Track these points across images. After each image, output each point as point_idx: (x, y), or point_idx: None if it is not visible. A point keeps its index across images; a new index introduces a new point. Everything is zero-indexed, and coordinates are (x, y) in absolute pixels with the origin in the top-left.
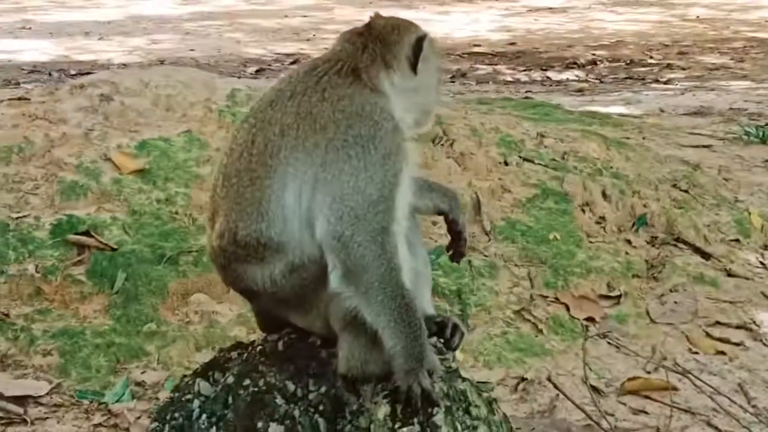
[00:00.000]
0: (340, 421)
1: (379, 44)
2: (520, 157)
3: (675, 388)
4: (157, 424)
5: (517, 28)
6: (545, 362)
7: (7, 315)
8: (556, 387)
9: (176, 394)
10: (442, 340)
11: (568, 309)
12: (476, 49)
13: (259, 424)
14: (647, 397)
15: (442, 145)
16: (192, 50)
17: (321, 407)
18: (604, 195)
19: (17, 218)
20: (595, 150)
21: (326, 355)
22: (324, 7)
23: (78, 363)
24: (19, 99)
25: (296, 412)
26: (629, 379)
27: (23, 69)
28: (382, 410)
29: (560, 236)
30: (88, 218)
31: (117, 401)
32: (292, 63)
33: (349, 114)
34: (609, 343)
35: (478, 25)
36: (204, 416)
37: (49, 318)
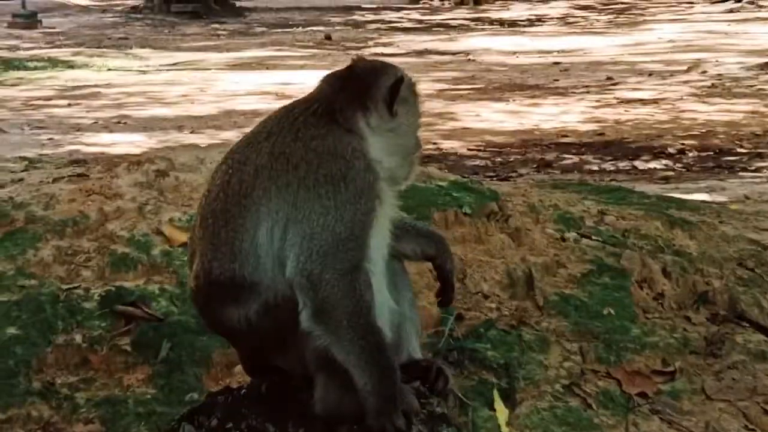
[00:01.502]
0: None
1: (356, 85)
2: (578, 233)
3: None
4: None
5: (607, 118)
6: None
7: (52, 384)
8: None
9: None
10: (427, 385)
11: (619, 384)
12: (564, 140)
13: None
14: None
15: (497, 220)
16: None
17: None
18: (664, 272)
19: (67, 289)
20: (658, 228)
21: (306, 397)
22: None
23: (119, 431)
24: (79, 176)
25: None
26: None
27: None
28: None
29: (614, 311)
30: (137, 289)
31: None
32: None
33: (320, 153)
34: (661, 418)
35: (568, 117)
36: None
37: (93, 387)
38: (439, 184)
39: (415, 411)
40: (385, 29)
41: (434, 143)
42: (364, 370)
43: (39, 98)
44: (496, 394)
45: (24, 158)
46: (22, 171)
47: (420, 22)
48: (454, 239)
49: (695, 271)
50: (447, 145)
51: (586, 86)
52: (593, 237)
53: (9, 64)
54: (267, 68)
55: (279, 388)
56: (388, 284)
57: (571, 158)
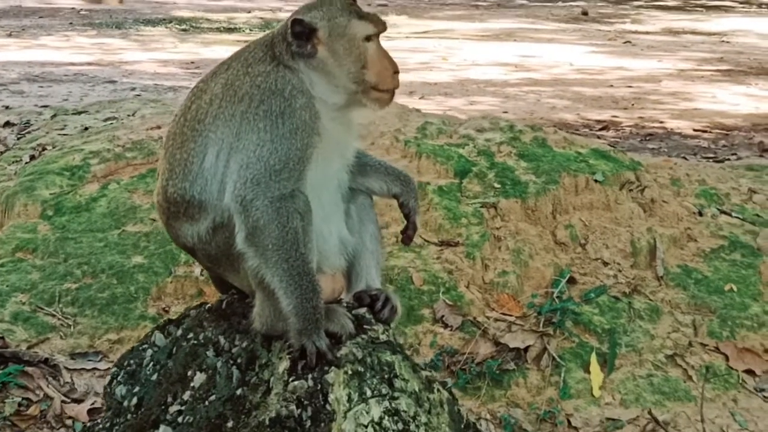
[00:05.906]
0: (250, 373)
1: (286, 24)
2: (718, 209)
3: None
4: (116, 369)
5: None
6: (686, 408)
7: (166, 311)
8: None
9: (137, 344)
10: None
11: (727, 359)
12: None
13: (189, 373)
14: None
15: (631, 190)
16: (505, 112)
17: (239, 360)
18: None
19: None
20: None
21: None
22: (653, 79)
23: None
24: None
25: (219, 363)
26: None
27: None
28: (283, 365)
29: (737, 288)
30: None
31: None
32: (601, 129)
33: (263, 90)
34: (764, 398)
35: None
36: (151, 364)
37: None
38: (578, 151)
39: (348, 334)
40: (646, 7)
41: (660, 122)
42: (286, 292)
43: None
44: (593, 357)
45: None
46: None
47: (685, 1)
48: (581, 205)
49: None
50: (673, 124)
51: None
52: (734, 214)
53: (269, 26)
54: (514, 40)
55: (235, 305)
56: (349, 216)
57: None
